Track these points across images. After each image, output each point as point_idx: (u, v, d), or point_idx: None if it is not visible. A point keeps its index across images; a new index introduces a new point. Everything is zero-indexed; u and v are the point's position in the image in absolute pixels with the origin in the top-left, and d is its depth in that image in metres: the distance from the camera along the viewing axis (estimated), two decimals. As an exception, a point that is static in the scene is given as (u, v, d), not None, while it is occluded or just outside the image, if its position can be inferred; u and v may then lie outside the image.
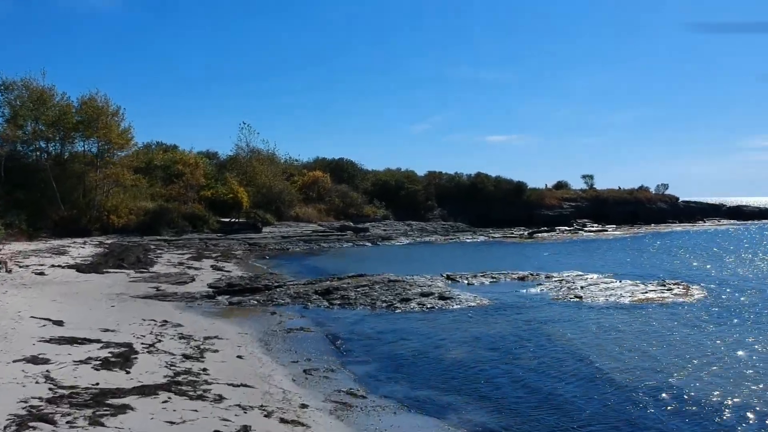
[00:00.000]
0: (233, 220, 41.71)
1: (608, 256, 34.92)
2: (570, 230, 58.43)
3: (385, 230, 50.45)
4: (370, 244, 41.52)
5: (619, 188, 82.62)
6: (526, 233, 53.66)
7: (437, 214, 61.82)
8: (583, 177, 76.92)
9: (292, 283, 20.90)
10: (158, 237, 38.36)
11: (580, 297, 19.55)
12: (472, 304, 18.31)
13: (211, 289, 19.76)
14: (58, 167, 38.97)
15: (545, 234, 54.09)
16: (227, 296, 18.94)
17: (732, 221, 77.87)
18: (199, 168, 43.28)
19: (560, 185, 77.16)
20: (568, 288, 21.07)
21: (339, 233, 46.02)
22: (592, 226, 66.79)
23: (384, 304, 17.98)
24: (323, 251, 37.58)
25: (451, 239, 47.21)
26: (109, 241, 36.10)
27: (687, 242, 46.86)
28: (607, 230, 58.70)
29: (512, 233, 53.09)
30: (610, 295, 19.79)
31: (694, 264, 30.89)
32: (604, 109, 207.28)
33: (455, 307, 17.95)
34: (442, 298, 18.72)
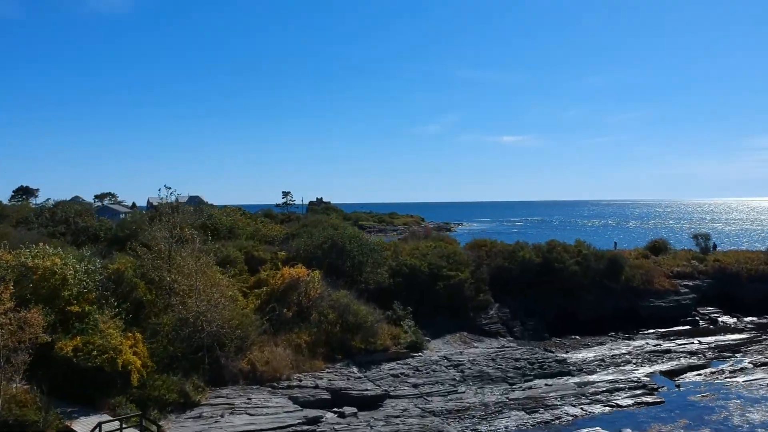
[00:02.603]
0: (97, 429, 19.46)
1: None
2: (729, 363, 34.47)
3: (417, 389, 27.94)
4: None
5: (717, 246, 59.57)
6: (659, 375, 30.84)
7: (494, 316, 39.32)
8: (695, 237, 53.72)
9: None
10: None
11: None
12: None
13: None
14: None
15: (696, 376, 31.12)
16: None
17: None
18: (34, 317, 20.80)
19: (657, 247, 54.11)
20: None
21: (329, 422, 23.72)
22: (725, 323, 44.11)
23: None
24: None
25: (542, 417, 24.73)
26: None
27: None
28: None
29: (632, 373, 30.23)
30: None
31: None
32: (615, 109, 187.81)
33: None
34: None
